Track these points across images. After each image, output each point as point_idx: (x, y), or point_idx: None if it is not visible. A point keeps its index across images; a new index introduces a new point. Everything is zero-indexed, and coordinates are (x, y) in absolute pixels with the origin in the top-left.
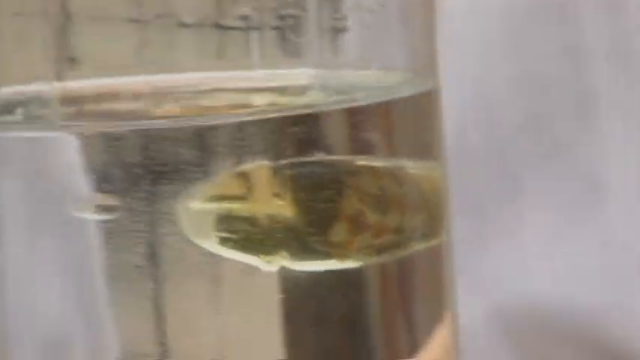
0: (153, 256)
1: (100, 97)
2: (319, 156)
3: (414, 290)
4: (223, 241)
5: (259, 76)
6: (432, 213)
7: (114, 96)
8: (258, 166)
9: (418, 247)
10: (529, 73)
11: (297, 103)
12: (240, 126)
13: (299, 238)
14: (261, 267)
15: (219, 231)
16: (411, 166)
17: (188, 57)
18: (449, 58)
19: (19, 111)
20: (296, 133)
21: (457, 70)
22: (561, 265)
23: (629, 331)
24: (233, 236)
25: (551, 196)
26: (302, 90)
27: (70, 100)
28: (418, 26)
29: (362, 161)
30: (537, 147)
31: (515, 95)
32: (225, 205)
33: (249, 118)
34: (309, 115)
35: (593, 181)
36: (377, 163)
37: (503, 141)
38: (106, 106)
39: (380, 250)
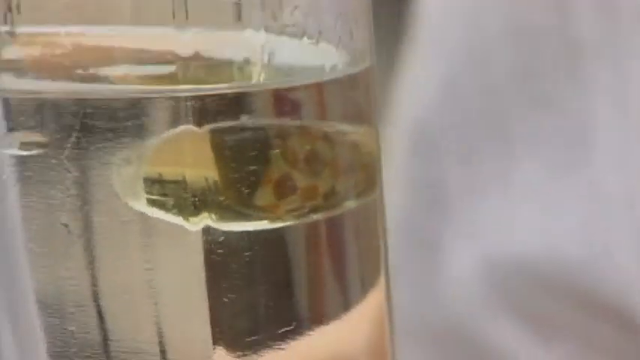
0: (81, 212)
1: (38, 47)
2: (246, 119)
3: (344, 248)
4: (151, 202)
5: (194, 39)
6: (361, 175)
7: (50, 47)
8: (186, 130)
9: (347, 207)
10: (518, 25)
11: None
12: (170, 90)
13: (227, 201)
14: (189, 228)
15: (147, 192)
16: (340, 129)
17: (128, 14)
18: (441, 11)
19: None
20: (224, 96)
21: (448, 21)
22: (549, 216)
23: (614, 282)
24: (161, 198)
25: (540, 147)
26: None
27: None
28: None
29: (288, 124)
30: (526, 99)
31: (505, 47)
32: (153, 168)
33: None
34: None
35: (581, 133)
36: (303, 126)
37: (494, 92)
38: (43, 57)
39: (308, 212)
